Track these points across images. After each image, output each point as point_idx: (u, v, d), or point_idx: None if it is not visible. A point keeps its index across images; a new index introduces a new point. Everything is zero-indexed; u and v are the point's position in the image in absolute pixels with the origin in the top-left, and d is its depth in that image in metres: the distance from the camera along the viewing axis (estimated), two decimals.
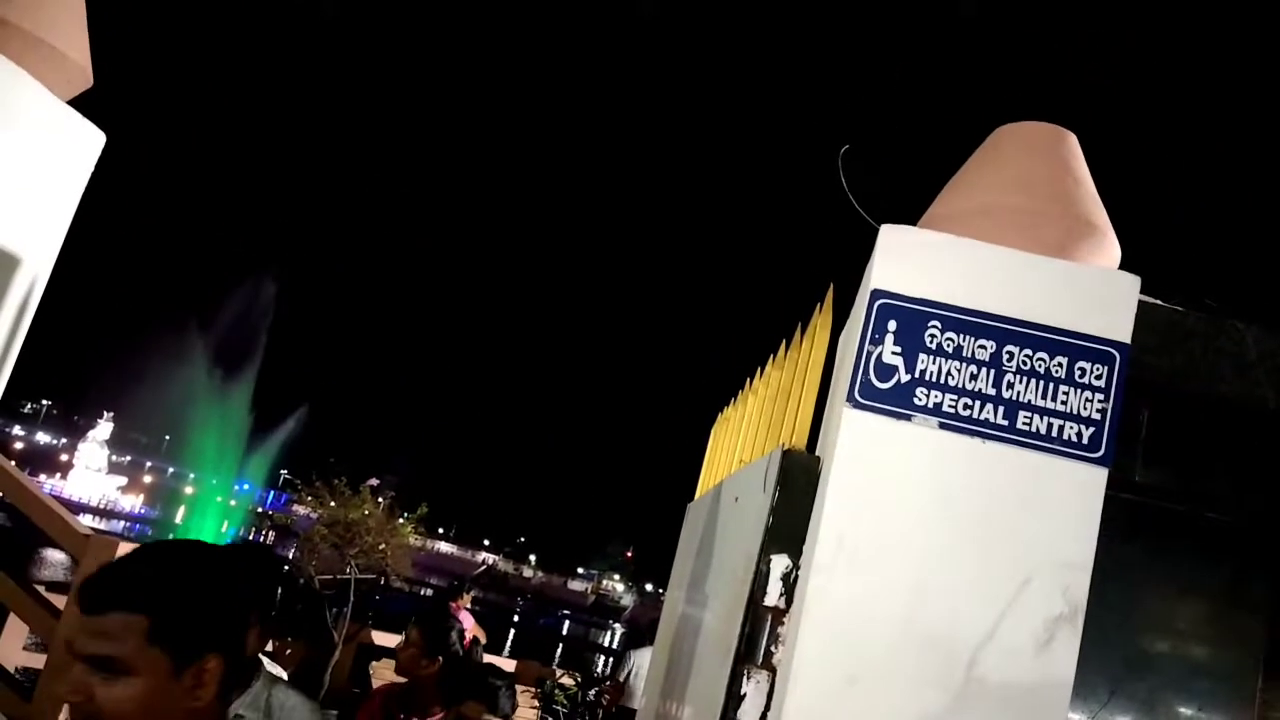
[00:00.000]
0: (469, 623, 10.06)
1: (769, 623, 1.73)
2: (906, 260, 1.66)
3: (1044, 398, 1.59)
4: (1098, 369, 1.60)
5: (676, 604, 2.91)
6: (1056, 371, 1.60)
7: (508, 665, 12.15)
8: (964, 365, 1.61)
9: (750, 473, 2.13)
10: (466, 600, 9.83)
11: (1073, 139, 1.84)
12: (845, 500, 1.58)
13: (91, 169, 2.31)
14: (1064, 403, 1.59)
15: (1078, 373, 1.60)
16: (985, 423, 1.59)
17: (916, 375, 1.61)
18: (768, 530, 1.79)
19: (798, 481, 1.80)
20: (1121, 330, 1.61)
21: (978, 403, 1.60)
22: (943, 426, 1.59)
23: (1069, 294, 1.63)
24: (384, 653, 10.61)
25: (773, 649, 1.72)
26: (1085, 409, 1.58)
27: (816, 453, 1.85)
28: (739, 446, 2.61)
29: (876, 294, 1.64)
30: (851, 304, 2.01)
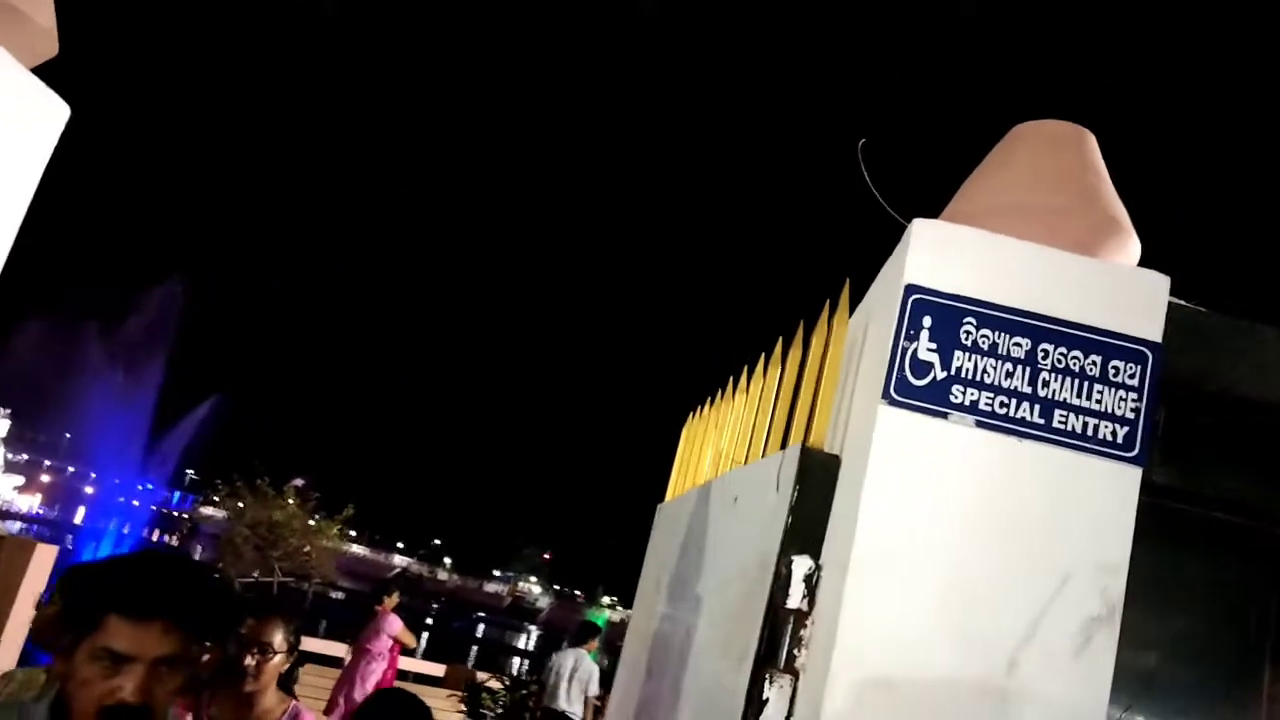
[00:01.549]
0: (396, 626, 9.77)
1: (791, 625, 1.69)
2: (940, 255, 1.63)
3: (1079, 396, 1.58)
4: (1131, 368, 1.59)
5: (653, 607, 2.85)
6: (1091, 370, 1.59)
7: (436, 670, 11.98)
8: (1000, 363, 1.59)
9: (755, 472, 2.09)
10: (393, 602, 9.61)
11: (1091, 137, 1.83)
12: (882, 499, 1.54)
13: (54, 143, 2.15)
14: (1099, 401, 1.57)
15: (1112, 371, 1.58)
16: (1022, 421, 1.57)
17: (952, 372, 1.58)
18: (787, 531, 1.75)
19: (817, 480, 1.77)
20: (1153, 329, 1.60)
21: (1014, 401, 1.57)
22: (979, 425, 1.56)
23: (1101, 292, 1.62)
24: (310, 658, 10.32)
25: (795, 652, 1.68)
26: (1119, 408, 1.57)
27: (830, 450, 1.81)
28: (727, 447, 2.57)
29: (911, 289, 1.60)
30: (854, 298, 1.98)
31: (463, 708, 10.49)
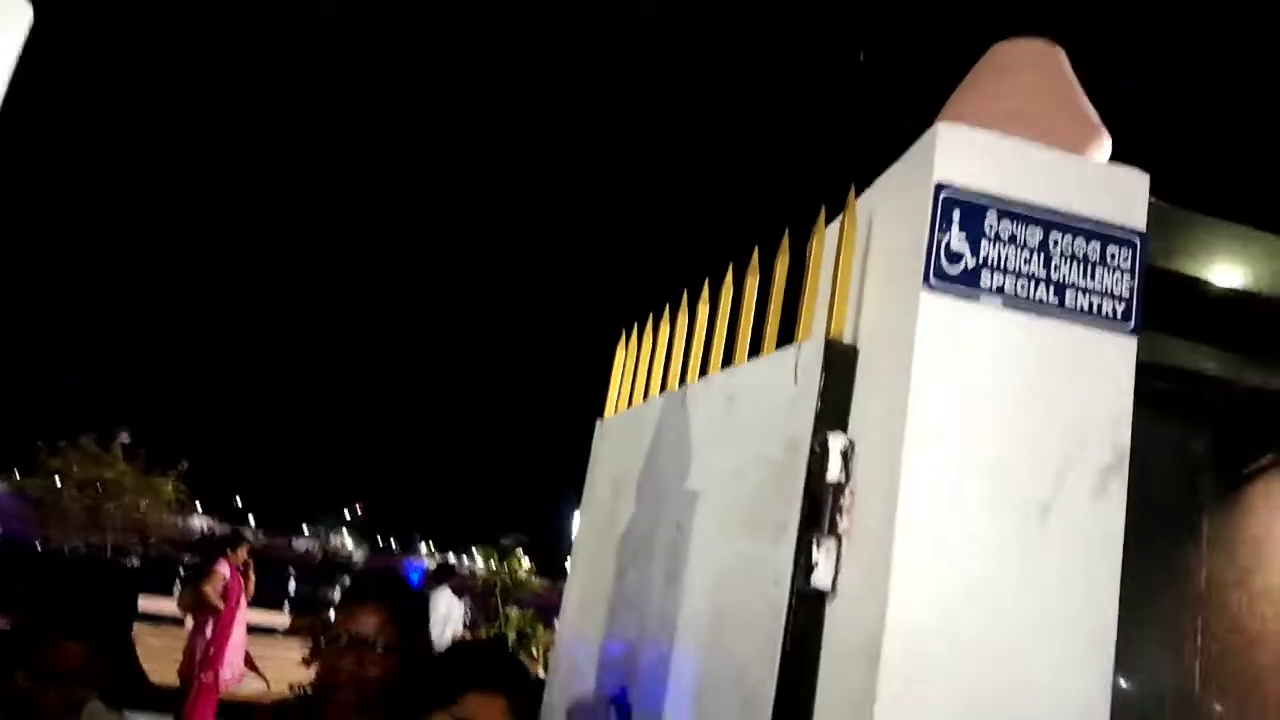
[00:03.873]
0: (215, 581, 9.21)
1: (831, 496, 1.86)
2: (962, 156, 1.81)
3: (1084, 278, 1.81)
4: (1124, 253, 1.83)
5: (617, 513, 2.98)
6: (1092, 256, 1.82)
7: (281, 620, 11.74)
8: (1019, 250, 1.79)
9: (758, 370, 2.24)
10: (241, 556, 9.27)
11: (1063, 52, 2.06)
12: (928, 376, 1.72)
13: (19, 50, 2.01)
14: (1101, 282, 1.81)
15: (1109, 257, 1.82)
16: (1040, 301, 1.78)
17: (980, 260, 1.77)
18: (818, 415, 1.92)
19: (840, 369, 1.94)
20: (1139, 219, 1.85)
21: (1032, 283, 1.79)
22: (1005, 305, 1.77)
23: (1096, 188, 1.85)
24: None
25: (837, 518, 1.86)
26: (1117, 288, 1.81)
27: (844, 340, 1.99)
28: (694, 355, 2.71)
29: (940, 186, 1.78)
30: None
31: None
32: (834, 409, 1.92)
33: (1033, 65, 2.01)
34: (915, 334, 1.74)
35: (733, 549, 2.15)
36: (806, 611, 1.85)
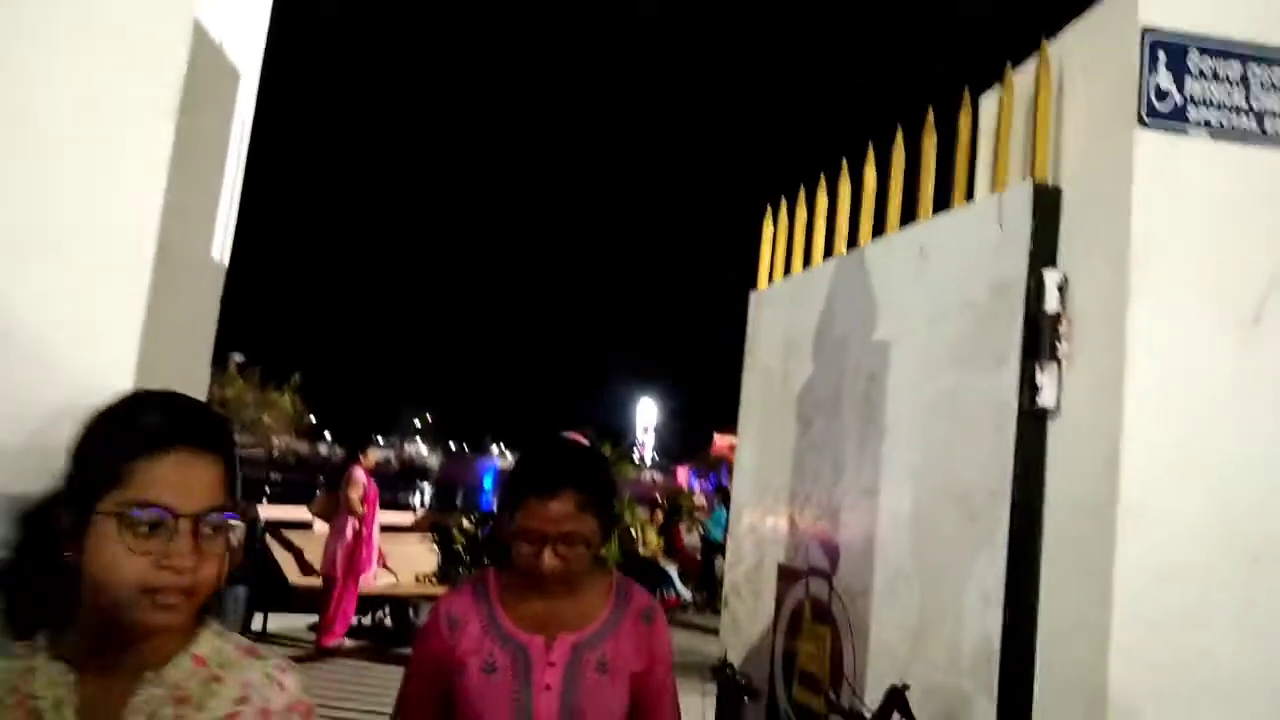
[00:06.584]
0: (354, 484, 9.74)
1: (1050, 326, 2.07)
2: (1162, 2, 1.95)
3: None
4: None
5: (789, 374, 3.20)
6: None
7: (405, 518, 12.32)
8: (1220, 84, 1.94)
9: (953, 221, 2.42)
10: (371, 459, 9.72)
11: None
12: (1146, 207, 1.90)
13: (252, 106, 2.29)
14: None
15: None
16: (1244, 130, 1.94)
17: (1187, 96, 1.93)
18: (1032, 253, 2.11)
19: (1049, 208, 2.12)
20: None
21: (1236, 114, 1.94)
22: (1212, 136, 1.93)
23: None
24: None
25: (1056, 344, 2.06)
26: None
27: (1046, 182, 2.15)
28: (864, 218, 2.89)
29: (1147, 30, 1.93)
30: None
31: (435, 548, 10.90)
32: (1044, 247, 2.11)
33: None
34: (1133, 169, 1.91)
35: (941, 386, 2.36)
36: (1033, 430, 2.07)
